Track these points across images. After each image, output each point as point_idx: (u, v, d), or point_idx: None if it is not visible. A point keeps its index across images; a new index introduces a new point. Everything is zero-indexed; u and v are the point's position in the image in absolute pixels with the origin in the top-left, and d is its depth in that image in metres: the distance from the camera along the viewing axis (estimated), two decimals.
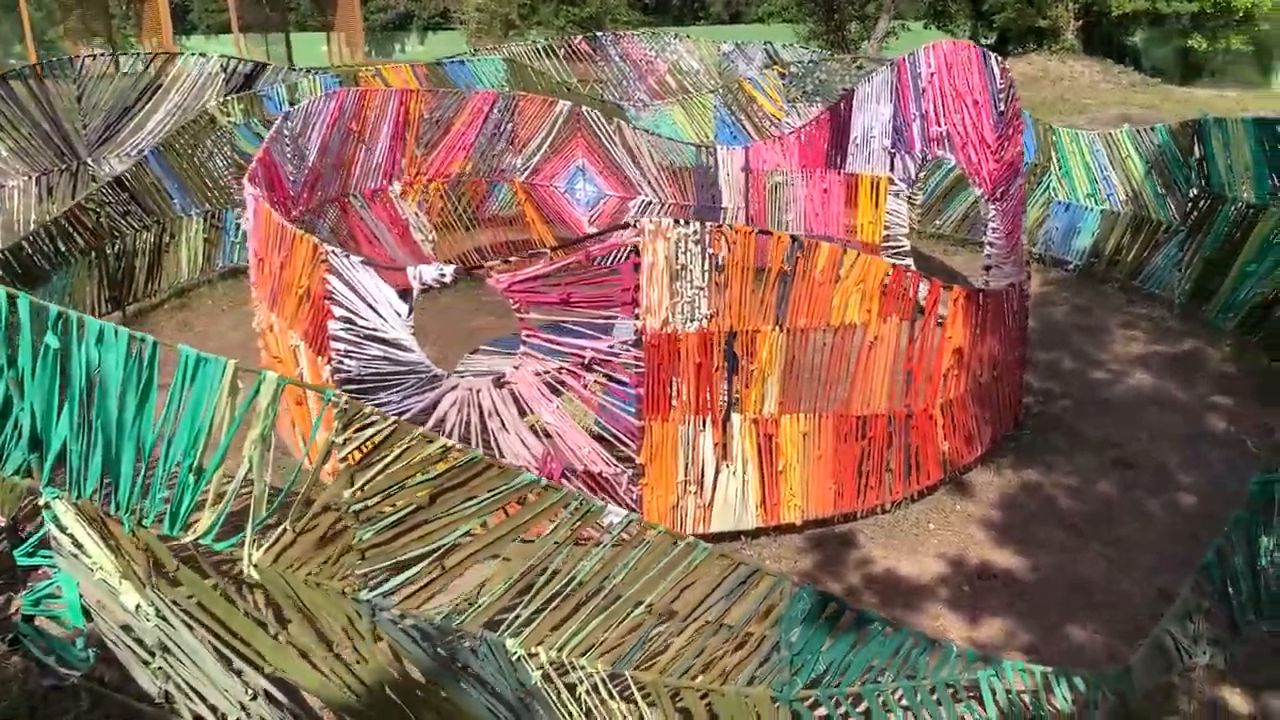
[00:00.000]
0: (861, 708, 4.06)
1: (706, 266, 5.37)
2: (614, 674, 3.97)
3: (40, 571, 4.80)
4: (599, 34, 15.21)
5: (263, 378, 3.84)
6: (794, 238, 5.47)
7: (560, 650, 3.95)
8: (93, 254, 9.43)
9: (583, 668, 3.96)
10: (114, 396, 4.05)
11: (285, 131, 8.33)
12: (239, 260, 10.97)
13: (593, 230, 11.00)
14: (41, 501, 4.38)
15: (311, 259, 5.89)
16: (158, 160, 10.12)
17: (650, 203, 10.96)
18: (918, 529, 6.20)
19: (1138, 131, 9.75)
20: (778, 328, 5.57)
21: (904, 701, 4.08)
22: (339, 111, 9.08)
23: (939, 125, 8.80)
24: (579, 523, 3.86)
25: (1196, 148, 8.98)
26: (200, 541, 4.15)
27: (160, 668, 4.34)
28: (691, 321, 5.46)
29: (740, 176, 10.81)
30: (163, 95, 12.09)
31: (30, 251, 8.68)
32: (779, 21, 47.30)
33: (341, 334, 5.87)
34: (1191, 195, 9.13)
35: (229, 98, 10.86)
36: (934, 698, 4.08)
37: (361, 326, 5.80)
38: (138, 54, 12.89)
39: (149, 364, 3.96)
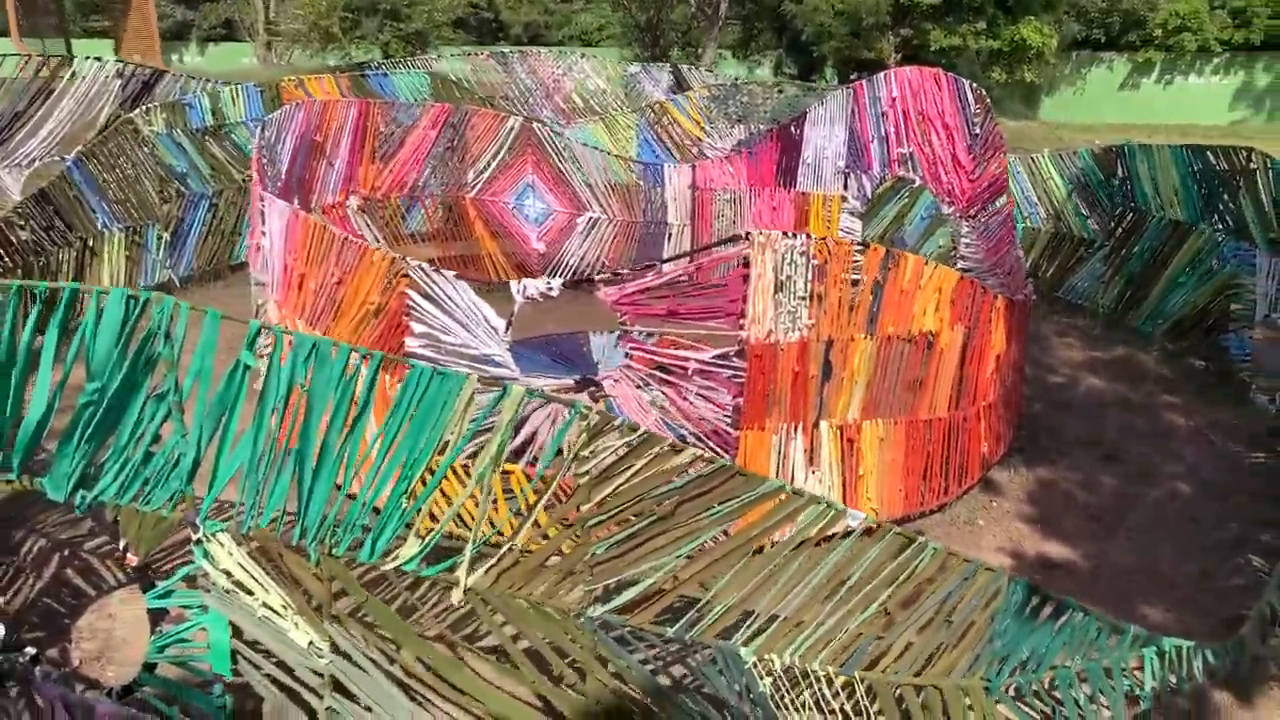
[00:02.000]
0: (1054, 691, 4.29)
1: (809, 277, 5.51)
2: (842, 675, 4.04)
3: (173, 614, 4.40)
4: (505, 51, 15.08)
5: (507, 389, 3.70)
6: (887, 249, 5.70)
7: (792, 656, 3.98)
8: (19, 272, 8.58)
9: (814, 672, 4.00)
10: (318, 418, 3.78)
11: (263, 143, 7.88)
12: (158, 279, 10.24)
13: (540, 247, 10.94)
14: (196, 536, 4.05)
15: (385, 274, 5.64)
16: (80, 171, 9.31)
17: (597, 219, 10.99)
18: (970, 526, 6.53)
19: (1060, 155, 10.62)
20: (869, 336, 5.78)
21: (1086, 683, 4.33)
22: (306, 123, 8.66)
23: (902, 147, 9.29)
24: (821, 527, 3.91)
25: (1120, 170, 9.88)
26: (405, 569, 3.93)
27: (330, 708, 4.09)
28: (793, 331, 5.59)
29: (687, 194, 11.00)
30: (55, 102, 11.13)
31: None
32: (580, 44, 48.00)
33: (421, 352, 5.65)
34: (1115, 214, 10.03)
35: (151, 106, 10.12)
36: (1109, 677, 4.36)
37: (445, 344, 5.61)
38: None
39: (370, 381, 3.73)
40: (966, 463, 6.61)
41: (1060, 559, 6.25)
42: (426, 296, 5.58)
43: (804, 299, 5.54)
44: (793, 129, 10.36)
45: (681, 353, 5.54)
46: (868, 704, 4.05)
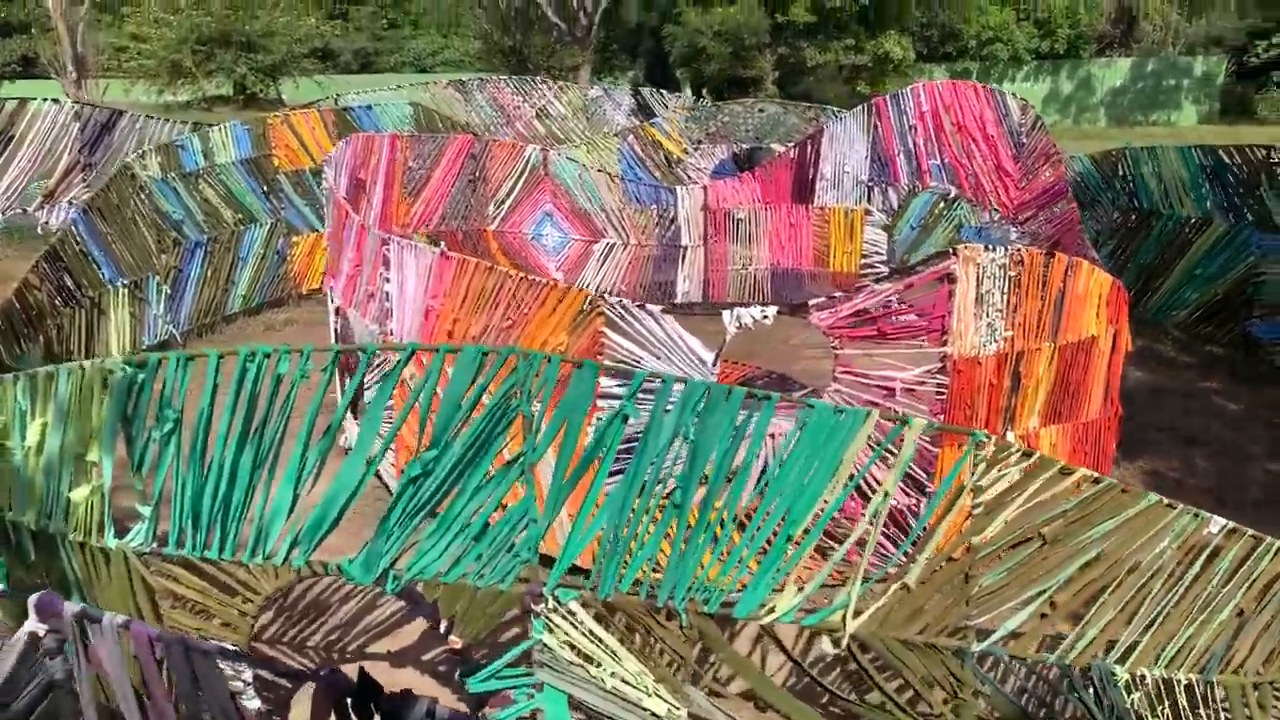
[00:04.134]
0: None
1: (1006, 289, 5.55)
2: (1203, 681, 4.05)
3: (500, 696, 4.03)
4: (464, 80, 14.67)
5: (908, 422, 3.56)
6: (1069, 259, 5.79)
7: (1159, 667, 3.96)
8: (40, 339, 7.78)
9: (1178, 681, 4.00)
10: (701, 468, 3.55)
11: (335, 185, 7.41)
12: (160, 335, 9.47)
13: (559, 276, 10.67)
14: (540, 607, 3.75)
15: (579, 312, 5.37)
16: (85, 224, 8.52)
17: (614, 245, 10.80)
18: None
19: None
20: (1052, 344, 5.85)
21: None
22: (353, 160, 8.19)
23: (933, 158, 9.51)
24: (1187, 538, 3.91)
25: (1122, 171, 10.39)
26: (783, 620, 3.72)
27: None
28: (991, 344, 5.61)
29: (700, 215, 10.94)
30: (16, 147, 10.17)
31: None
32: (413, 70, 47.42)
33: (617, 391, 5.39)
34: (1118, 214, 10.54)
35: (146, 149, 9.37)
36: None
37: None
38: None
39: (761, 425, 3.52)
40: (1104, 461, 6.78)
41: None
42: (623, 333, 5.35)
43: (1001, 311, 5.57)
44: (809, 146, 10.46)
45: (887, 372, 5.48)
46: (1220, 706, 4.07)
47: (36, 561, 4.41)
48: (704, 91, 36.06)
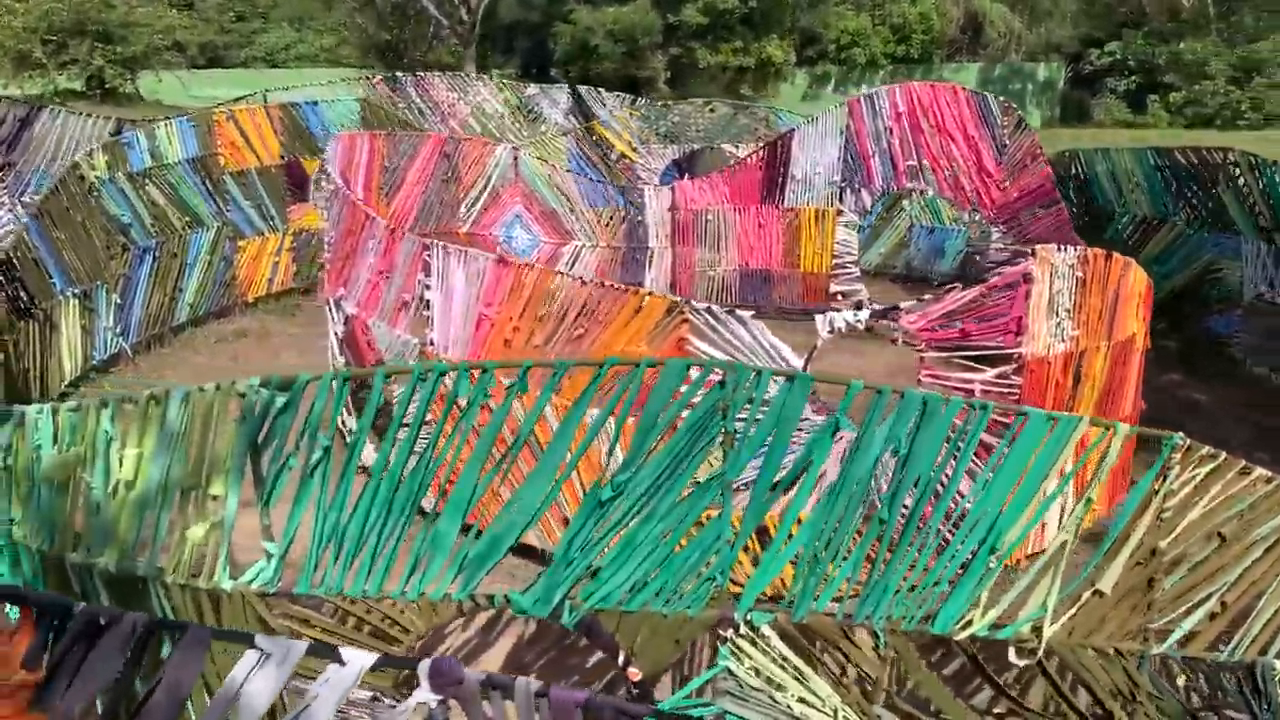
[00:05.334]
0: None
1: (1074, 288, 5.61)
2: None
3: None
4: (398, 75, 14.06)
5: (1115, 427, 3.51)
6: (1126, 259, 5.89)
7: None
8: (0, 356, 7.05)
9: None
10: (910, 481, 3.42)
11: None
12: (111, 349, 8.75)
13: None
14: (727, 633, 3.56)
15: (659, 319, 5.16)
16: (37, 230, 7.77)
17: (582, 247, 10.55)
18: None
19: None
20: (1107, 342, 5.95)
21: None
22: (342, 160, 7.72)
23: (910, 159, 9.61)
24: None
25: (1076, 172, 10.74)
26: (978, 635, 3.62)
27: None
28: (1060, 343, 5.65)
29: (667, 216, 10.80)
30: None
31: None
32: (265, 65, 45.95)
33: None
34: (1072, 213, 10.89)
35: (93, 149, 8.61)
36: None
37: None
38: None
39: (973, 436, 3.41)
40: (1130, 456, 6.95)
41: None
42: (709, 340, 5.16)
43: (1069, 311, 5.62)
44: (778, 147, 10.44)
45: (967, 375, 5.47)
46: None
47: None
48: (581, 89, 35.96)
